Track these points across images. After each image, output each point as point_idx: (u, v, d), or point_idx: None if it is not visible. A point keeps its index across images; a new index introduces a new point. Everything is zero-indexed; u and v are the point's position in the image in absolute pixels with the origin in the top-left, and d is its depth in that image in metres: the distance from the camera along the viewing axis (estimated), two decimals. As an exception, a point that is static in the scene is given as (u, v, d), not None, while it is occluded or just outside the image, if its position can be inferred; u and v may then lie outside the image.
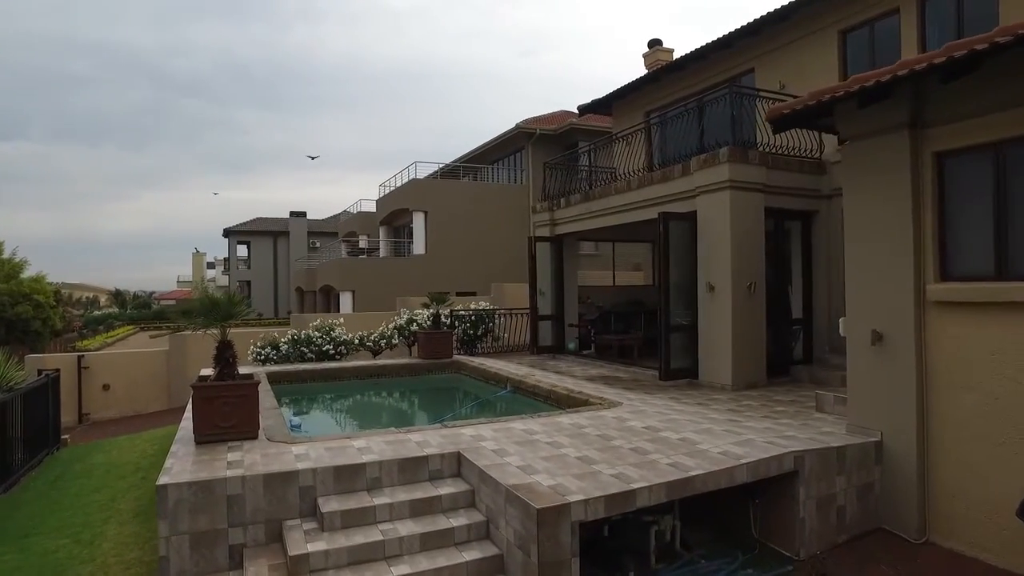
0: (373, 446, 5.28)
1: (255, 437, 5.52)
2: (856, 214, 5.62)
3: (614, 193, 11.03)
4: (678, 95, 12.60)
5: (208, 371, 10.19)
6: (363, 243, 30.03)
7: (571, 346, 13.29)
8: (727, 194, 8.40)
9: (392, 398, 11.15)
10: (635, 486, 4.25)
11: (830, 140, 9.32)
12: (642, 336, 12.58)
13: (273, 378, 9.83)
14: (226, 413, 5.37)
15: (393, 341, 13.07)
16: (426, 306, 12.77)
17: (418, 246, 23.95)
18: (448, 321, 13.03)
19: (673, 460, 4.82)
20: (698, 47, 11.57)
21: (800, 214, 9.36)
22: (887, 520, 5.30)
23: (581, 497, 4.04)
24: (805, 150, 9.26)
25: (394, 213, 26.64)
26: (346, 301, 23.42)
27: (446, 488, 4.86)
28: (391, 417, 10.09)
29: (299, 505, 4.61)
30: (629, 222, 10.90)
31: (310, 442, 5.42)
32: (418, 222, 23.91)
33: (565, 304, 13.26)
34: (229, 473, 4.50)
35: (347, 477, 4.77)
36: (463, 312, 13.81)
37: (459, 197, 24.13)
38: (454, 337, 12.54)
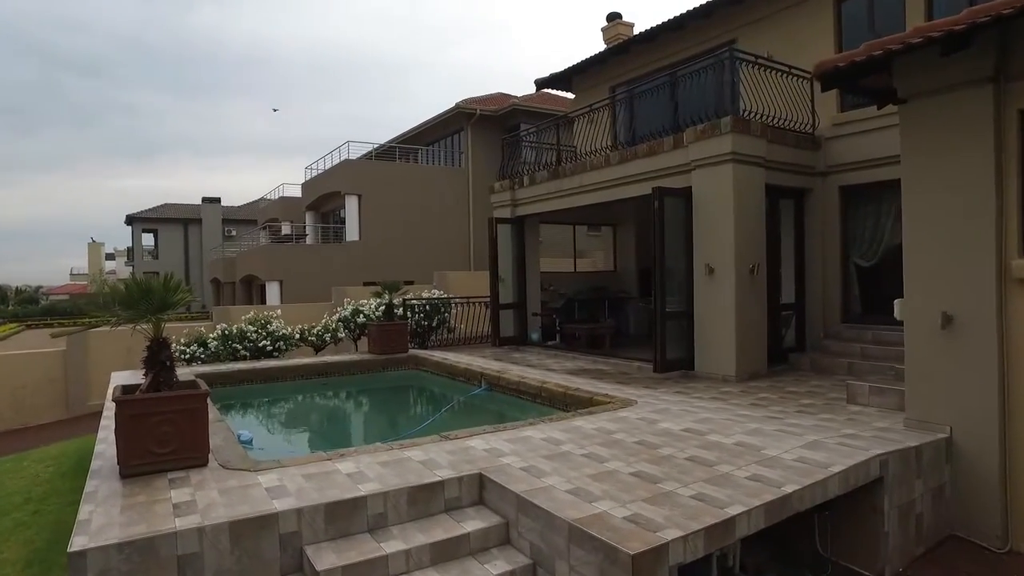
0: (366, 470, 4.10)
1: (204, 464, 4.19)
2: (920, 183, 4.98)
3: (589, 169, 10.15)
4: (649, 68, 11.88)
5: (123, 376, 8.51)
6: (286, 229, 27.75)
7: (534, 336, 12.37)
8: (729, 168, 7.69)
9: (350, 401, 9.79)
10: (731, 512, 3.35)
11: (824, 114, 8.86)
12: (614, 325, 11.84)
13: (205, 381, 8.29)
14: (165, 435, 4.01)
15: (339, 335, 11.65)
16: (377, 295, 11.45)
17: (351, 232, 22.24)
18: (400, 312, 11.77)
19: (750, 472, 3.97)
20: (674, 16, 10.86)
21: (793, 192, 8.84)
22: (960, 526, 4.72)
23: (678, 533, 3.09)
24: (798, 123, 8.73)
25: (323, 197, 24.70)
26: (273, 292, 21.39)
27: (471, 522, 3.78)
28: (359, 425, 8.74)
29: (280, 560, 3.39)
30: (606, 201, 10.07)
31: (280, 468, 4.16)
32: (351, 206, 22.19)
33: (528, 292, 12.31)
34: (180, 524, 3.21)
35: (343, 516, 3.58)
36: (415, 302, 12.57)
37: (396, 180, 22.60)
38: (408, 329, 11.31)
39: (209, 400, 4.30)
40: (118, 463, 4.04)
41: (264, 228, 28.85)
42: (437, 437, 4.94)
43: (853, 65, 4.88)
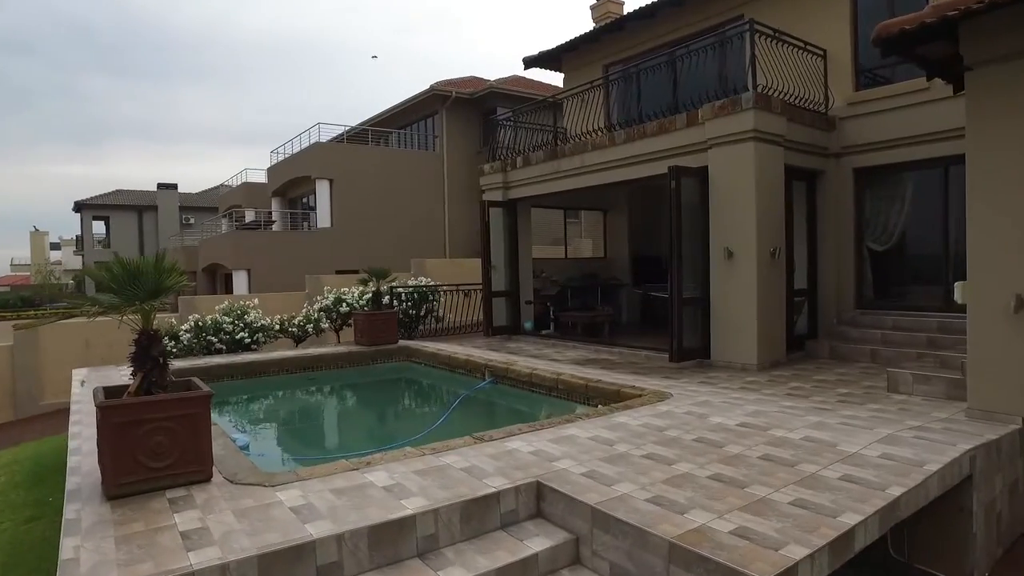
0: (404, 481, 3.52)
1: (208, 479, 3.54)
2: (990, 154, 4.63)
3: (591, 149, 9.64)
4: (647, 46, 11.40)
5: (84, 373, 7.63)
6: (251, 216, 26.45)
7: (527, 325, 11.87)
8: (751, 146, 7.29)
9: (344, 397, 9.11)
10: (847, 521, 2.92)
11: (838, 93, 8.55)
12: (612, 313, 11.43)
13: (180, 377, 7.52)
14: (160, 446, 3.34)
15: (322, 325, 10.90)
16: (363, 283, 10.75)
17: (323, 218, 21.26)
18: (387, 300, 11.10)
19: (840, 473, 3.55)
20: (676, -9, 10.40)
21: (806, 173, 8.52)
22: (1034, 522, 4.43)
23: (803, 551, 2.62)
24: (812, 102, 8.40)
25: (291, 183, 23.58)
26: (240, 281, 20.28)
27: (534, 540, 3.24)
28: (361, 425, 8.00)
29: (318, 597, 2.80)
30: (609, 183, 9.59)
31: (301, 481, 3.54)
32: (322, 192, 21.19)
33: (520, 279, 11.78)
34: (196, 560, 2.58)
35: (389, 540, 3.00)
36: (401, 290, 11.90)
37: (369, 164, 21.68)
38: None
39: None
40: (103, 481, 3.36)
41: (226, 215, 27.45)
42: (470, 439, 4.38)
43: (923, 27, 4.49)
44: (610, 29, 11.98)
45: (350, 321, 11.44)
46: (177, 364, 8.43)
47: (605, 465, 3.77)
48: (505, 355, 8.77)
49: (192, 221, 37.96)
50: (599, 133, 9.65)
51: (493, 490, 3.38)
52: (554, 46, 13.25)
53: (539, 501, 3.51)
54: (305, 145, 22.88)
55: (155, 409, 3.35)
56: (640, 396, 5.70)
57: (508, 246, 11.70)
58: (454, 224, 23.61)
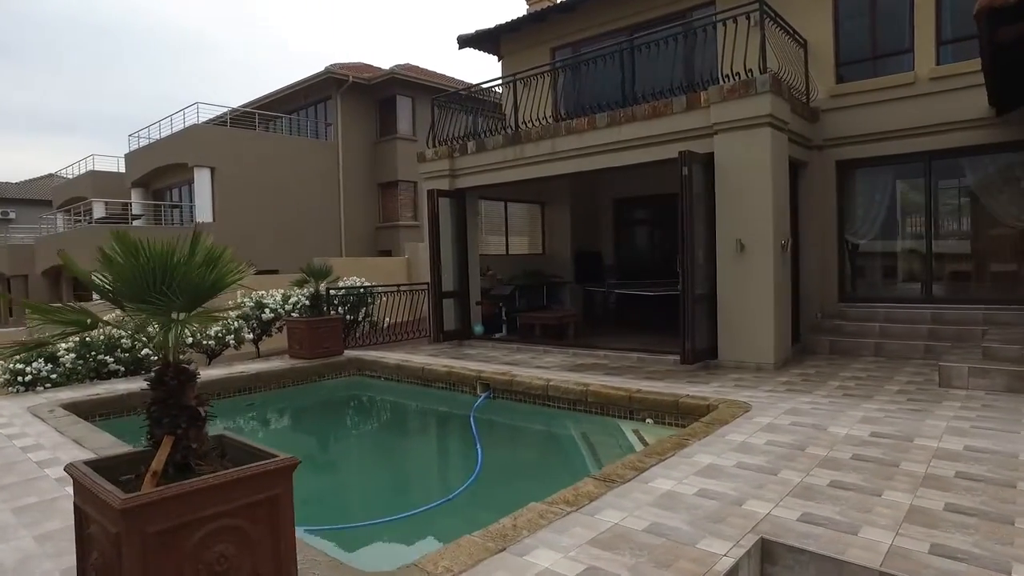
0: (588, 559, 2.43)
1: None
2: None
3: (566, 133, 8.82)
4: (604, 29, 10.81)
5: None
6: (100, 210, 22.40)
7: (478, 329, 10.78)
8: (767, 132, 6.88)
9: (309, 429, 7.33)
10: None
11: (821, 84, 8.48)
12: (575, 313, 10.71)
13: (73, 412, 5.61)
14: (223, 560, 1.97)
15: (244, 335, 9.02)
16: (300, 284, 9.08)
17: (203, 212, 18.40)
18: (325, 304, 9.48)
19: (1079, 494, 3.02)
20: (640, -29, 9.89)
21: (792, 164, 8.34)
22: None
23: None
24: (797, 91, 8.23)
25: (159, 171, 20.27)
26: (97, 287, 16.85)
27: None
28: (364, 467, 6.07)
29: None
30: (584, 170, 8.83)
31: (438, 580, 2.32)
32: (202, 181, 18.35)
33: (470, 278, 10.68)
34: None
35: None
36: (335, 292, 10.28)
37: (256, 152, 19.20)
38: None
39: (73, 436, 2.28)
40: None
41: (66, 209, 23.06)
42: (595, 482, 3.33)
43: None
44: (562, 8, 11.25)
45: (272, 330, 9.68)
46: (62, 395, 6.42)
47: (810, 504, 2.95)
48: (480, 363, 7.69)
49: (13, 215, 31.73)
50: (557, 120, 8.85)
51: (729, 561, 2.41)
52: (493, 25, 12.25)
53: (765, 564, 2.60)
54: (175, 129, 19.71)
55: (218, 498, 1.97)
56: (711, 407, 4.96)
57: (456, 241, 10.54)
58: (351, 220, 21.73)
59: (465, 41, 12.82)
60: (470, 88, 10.88)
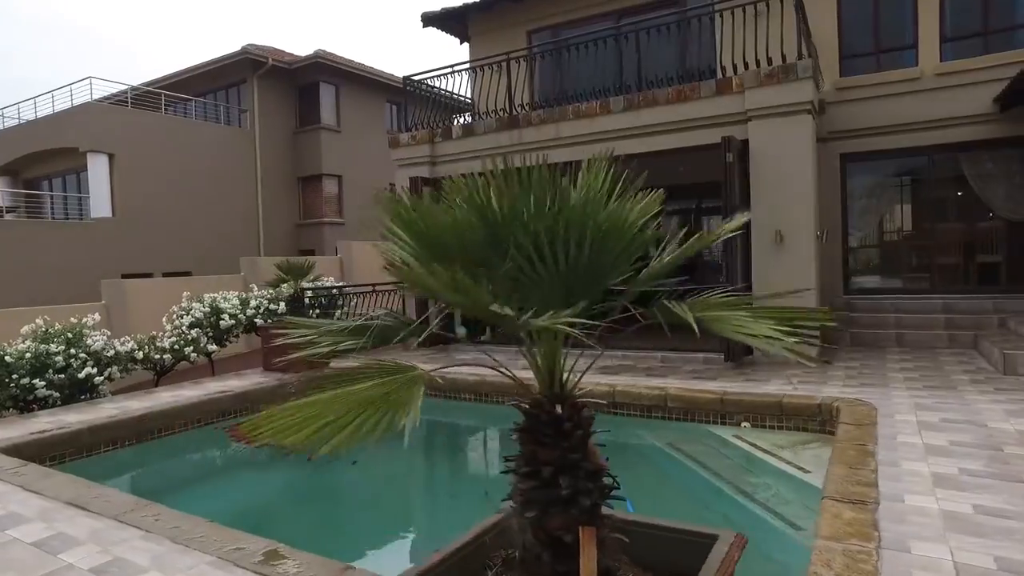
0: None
1: None
2: None
3: (572, 117, 8.24)
4: (588, 12, 10.32)
5: None
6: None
7: (460, 332, 9.90)
8: (808, 120, 6.70)
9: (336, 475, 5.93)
10: None
11: (826, 78, 8.51)
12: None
13: (21, 457, 4.24)
14: None
15: (208, 348, 7.58)
16: (276, 284, 7.79)
17: (99, 206, 15.85)
18: (304, 304, 8.24)
19: None
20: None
21: (799, 157, 8.31)
22: None
23: None
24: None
25: (33, 156, 17.25)
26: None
27: None
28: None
29: None
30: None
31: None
32: (98, 170, 15.79)
33: (452, 275, 9.78)
34: None
35: None
36: (308, 292, 9.01)
37: (161, 137, 16.85)
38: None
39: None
40: None
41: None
42: (851, 507, 2.76)
43: None
44: (541, -11, 10.64)
45: (230, 339, 8.28)
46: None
47: (1122, 520, 2.56)
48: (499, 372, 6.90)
49: None
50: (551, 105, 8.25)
51: None
52: (460, 3, 11.41)
53: None
54: (61, 108, 16.88)
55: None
56: (823, 407, 4.58)
57: (437, 235, 9.61)
58: (269, 217, 19.80)
59: (430, 20, 11.86)
60: (453, 67, 9.97)
